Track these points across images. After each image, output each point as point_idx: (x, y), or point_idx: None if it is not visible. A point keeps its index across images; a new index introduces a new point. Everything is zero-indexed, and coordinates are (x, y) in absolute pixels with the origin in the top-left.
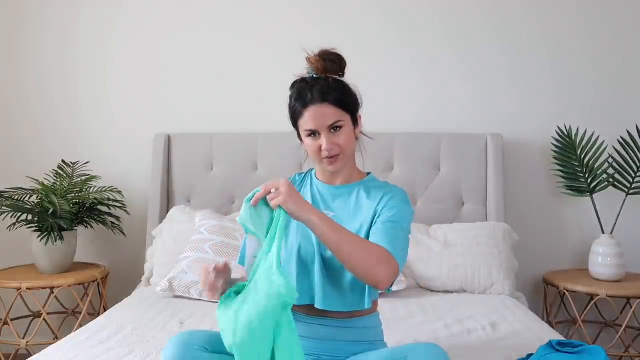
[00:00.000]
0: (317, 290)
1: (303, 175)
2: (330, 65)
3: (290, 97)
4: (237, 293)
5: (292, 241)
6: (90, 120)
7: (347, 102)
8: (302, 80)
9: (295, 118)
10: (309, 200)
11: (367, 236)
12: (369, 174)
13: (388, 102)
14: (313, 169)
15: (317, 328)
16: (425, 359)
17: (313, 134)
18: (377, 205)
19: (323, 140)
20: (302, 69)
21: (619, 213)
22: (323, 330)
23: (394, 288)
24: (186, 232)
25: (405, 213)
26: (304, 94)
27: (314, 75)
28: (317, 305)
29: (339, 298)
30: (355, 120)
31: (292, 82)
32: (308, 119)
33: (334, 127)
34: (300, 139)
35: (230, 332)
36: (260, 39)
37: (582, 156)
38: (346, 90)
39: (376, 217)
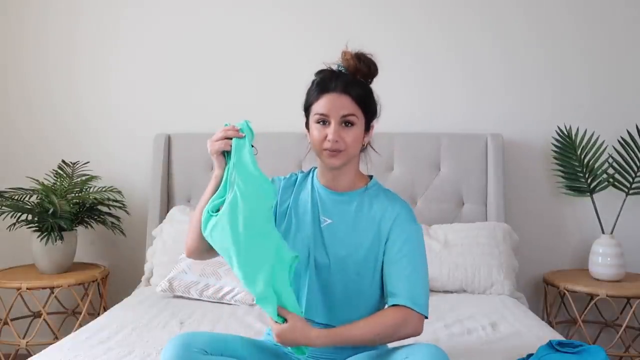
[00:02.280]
0: (306, 300)
1: (304, 175)
2: (360, 65)
3: (313, 82)
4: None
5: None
6: (90, 120)
7: (367, 103)
8: (330, 70)
9: (310, 101)
10: (308, 203)
11: (374, 255)
12: (371, 177)
13: (388, 102)
14: (315, 167)
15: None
16: (425, 359)
17: (323, 121)
18: (381, 225)
19: (330, 130)
20: (309, 69)
21: (619, 213)
22: None
23: None
24: (186, 232)
25: (416, 237)
26: (327, 80)
27: (343, 70)
28: (305, 315)
29: (327, 311)
30: (367, 127)
31: (320, 69)
32: (323, 104)
33: (346, 122)
34: (307, 127)
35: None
36: (260, 39)
37: (582, 156)
38: (369, 93)
39: (385, 242)
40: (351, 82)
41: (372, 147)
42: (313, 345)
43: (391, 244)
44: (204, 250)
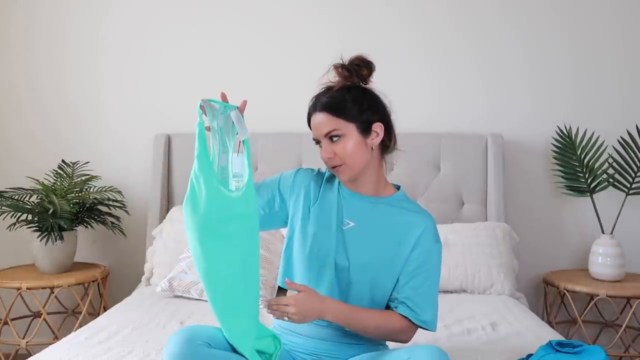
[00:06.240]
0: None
1: (333, 174)
2: (346, 73)
3: None
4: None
5: (307, 240)
6: (90, 120)
7: (347, 110)
8: (321, 90)
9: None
10: (333, 203)
11: (394, 264)
12: (398, 187)
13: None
14: None
15: (320, 329)
16: None
17: (318, 143)
18: (406, 237)
19: (321, 149)
20: (309, 69)
21: (619, 213)
22: (326, 331)
23: None
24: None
25: (436, 256)
26: (311, 104)
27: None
28: (327, 319)
29: None
30: (366, 130)
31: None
32: (312, 128)
33: (331, 137)
34: None
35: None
36: (261, 39)
37: (582, 156)
38: (350, 98)
39: (408, 254)
40: (324, 96)
41: (388, 145)
42: (323, 316)
43: (413, 258)
44: None
